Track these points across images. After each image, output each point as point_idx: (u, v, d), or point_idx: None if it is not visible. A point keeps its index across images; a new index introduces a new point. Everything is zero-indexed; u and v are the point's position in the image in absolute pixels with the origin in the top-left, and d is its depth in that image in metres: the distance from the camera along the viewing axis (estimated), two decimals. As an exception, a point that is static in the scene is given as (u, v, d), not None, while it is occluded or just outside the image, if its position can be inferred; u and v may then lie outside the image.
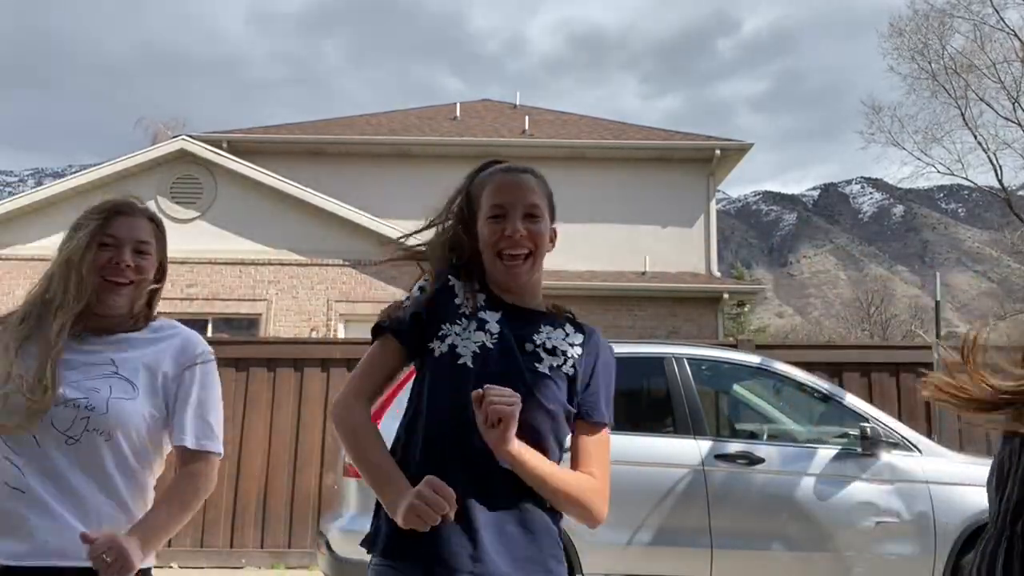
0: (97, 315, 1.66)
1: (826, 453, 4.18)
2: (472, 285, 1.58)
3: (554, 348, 1.54)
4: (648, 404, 4.73)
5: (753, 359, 4.76)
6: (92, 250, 1.63)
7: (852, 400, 4.35)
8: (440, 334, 1.52)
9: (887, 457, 4.12)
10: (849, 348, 6.62)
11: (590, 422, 1.54)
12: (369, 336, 1.60)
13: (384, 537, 1.45)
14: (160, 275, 1.77)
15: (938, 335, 6.72)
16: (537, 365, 1.50)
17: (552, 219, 1.62)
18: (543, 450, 1.44)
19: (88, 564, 1.44)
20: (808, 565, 4.05)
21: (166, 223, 1.81)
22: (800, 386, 4.57)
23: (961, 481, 4.10)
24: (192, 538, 6.08)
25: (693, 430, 4.27)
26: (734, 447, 4.25)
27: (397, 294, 11.89)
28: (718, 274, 15.18)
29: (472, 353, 1.49)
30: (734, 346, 6.10)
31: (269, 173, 11.88)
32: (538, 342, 1.53)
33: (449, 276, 1.59)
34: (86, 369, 1.61)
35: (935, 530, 4.02)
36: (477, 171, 1.65)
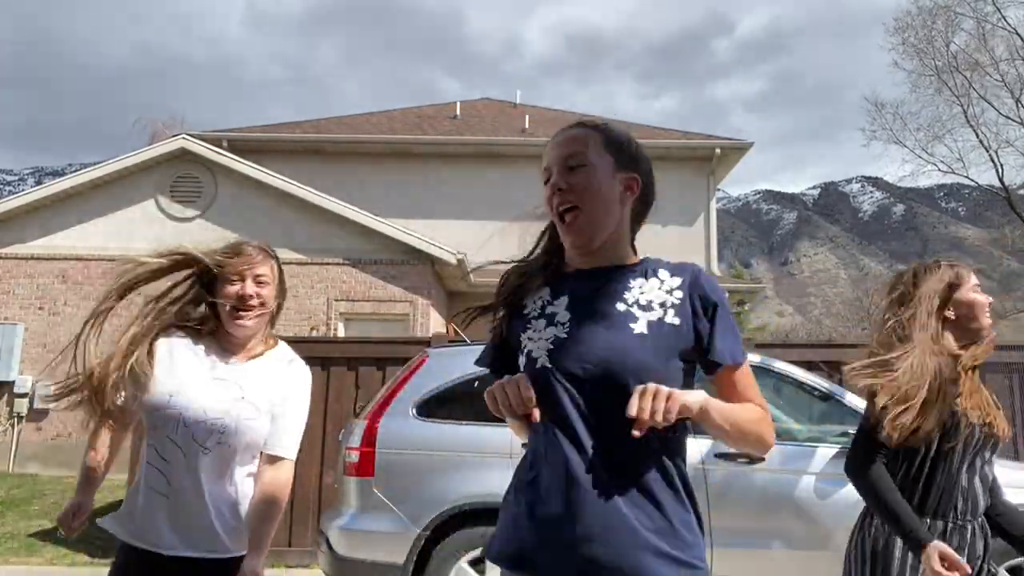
0: None
1: (826, 452, 4.18)
2: (536, 285, 1.53)
3: (650, 303, 1.42)
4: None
5: (753, 358, 4.75)
6: None
7: (852, 399, 4.33)
8: (523, 348, 1.48)
9: (887, 456, 4.11)
10: (849, 347, 6.59)
11: (723, 364, 1.46)
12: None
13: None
14: None
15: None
16: (633, 327, 1.39)
17: (626, 168, 1.48)
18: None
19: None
20: (808, 564, 4.04)
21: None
22: (800, 385, 4.56)
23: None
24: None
25: (693, 428, 4.26)
26: (734, 446, 4.24)
27: (396, 293, 11.87)
28: (718, 273, 15.19)
29: (547, 352, 1.42)
30: (734, 345, 6.09)
31: (269, 172, 11.88)
32: (630, 300, 1.42)
33: (514, 292, 1.55)
34: None
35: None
36: None
